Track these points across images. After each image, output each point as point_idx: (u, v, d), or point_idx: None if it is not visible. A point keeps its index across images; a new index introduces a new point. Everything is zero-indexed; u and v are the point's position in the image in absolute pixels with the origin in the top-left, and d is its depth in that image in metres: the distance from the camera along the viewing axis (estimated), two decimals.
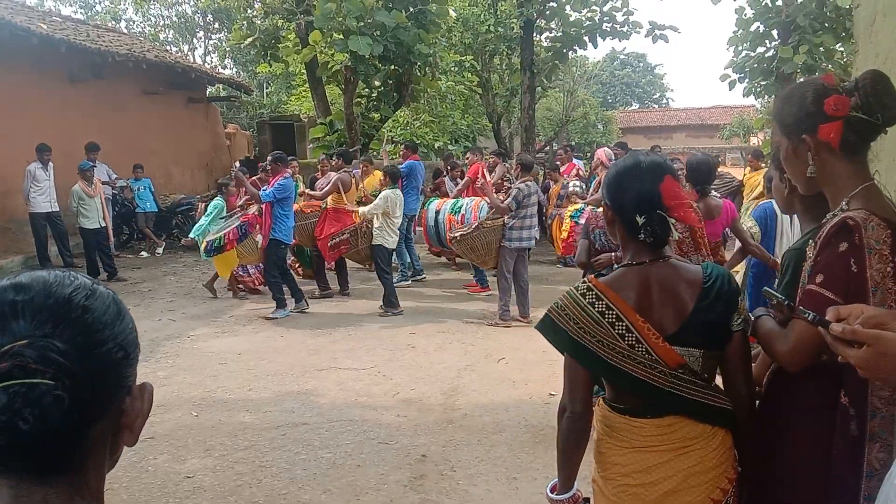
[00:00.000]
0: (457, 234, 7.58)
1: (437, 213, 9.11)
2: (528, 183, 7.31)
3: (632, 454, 1.83)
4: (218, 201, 8.93)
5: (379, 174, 10.34)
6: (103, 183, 10.85)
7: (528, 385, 5.46)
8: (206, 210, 9.07)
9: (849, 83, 1.62)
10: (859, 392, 1.60)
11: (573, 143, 26.24)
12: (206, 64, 26.50)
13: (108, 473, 0.87)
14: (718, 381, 1.91)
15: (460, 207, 8.97)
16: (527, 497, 3.72)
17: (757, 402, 1.93)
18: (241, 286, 9.05)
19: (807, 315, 1.27)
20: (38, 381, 0.72)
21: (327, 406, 5.12)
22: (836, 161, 1.65)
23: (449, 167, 11.26)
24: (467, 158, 10.66)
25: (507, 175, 9.75)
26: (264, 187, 7.96)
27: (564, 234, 7.98)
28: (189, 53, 29.21)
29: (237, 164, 9.20)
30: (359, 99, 16.19)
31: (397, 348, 6.56)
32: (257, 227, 8.02)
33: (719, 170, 8.41)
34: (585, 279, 1.88)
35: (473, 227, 7.52)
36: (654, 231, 1.80)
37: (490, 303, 7.98)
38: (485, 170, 9.89)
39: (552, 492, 1.96)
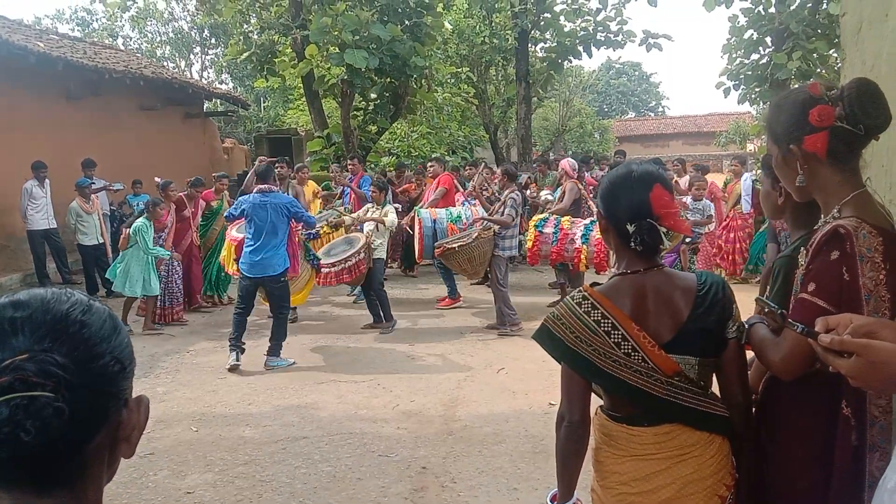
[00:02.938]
0: (454, 245, 7.52)
1: (434, 222, 8.86)
2: (518, 193, 7.51)
3: (630, 462, 1.83)
4: (141, 223, 7.63)
5: (313, 185, 10.17)
6: (99, 189, 10.77)
7: (527, 395, 5.46)
8: (129, 237, 7.67)
9: (835, 92, 1.62)
10: (858, 402, 1.60)
11: (570, 152, 26.32)
12: (203, 79, 26.65)
13: (107, 489, 0.88)
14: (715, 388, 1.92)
15: (459, 216, 8.90)
16: None
17: (753, 408, 1.94)
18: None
19: (795, 327, 1.28)
20: (38, 394, 0.74)
21: (327, 419, 5.12)
22: (826, 170, 1.66)
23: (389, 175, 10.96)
24: (431, 167, 10.07)
25: (486, 184, 9.67)
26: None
27: (529, 244, 7.92)
28: (186, 69, 29.38)
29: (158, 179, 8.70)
30: (355, 112, 16.24)
31: (396, 360, 6.55)
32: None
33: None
34: (580, 288, 1.89)
35: (473, 237, 7.48)
36: (643, 239, 1.82)
37: (481, 316, 7.97)
38: (456, 182, 9.82)
39: (552, 501, 1.96)
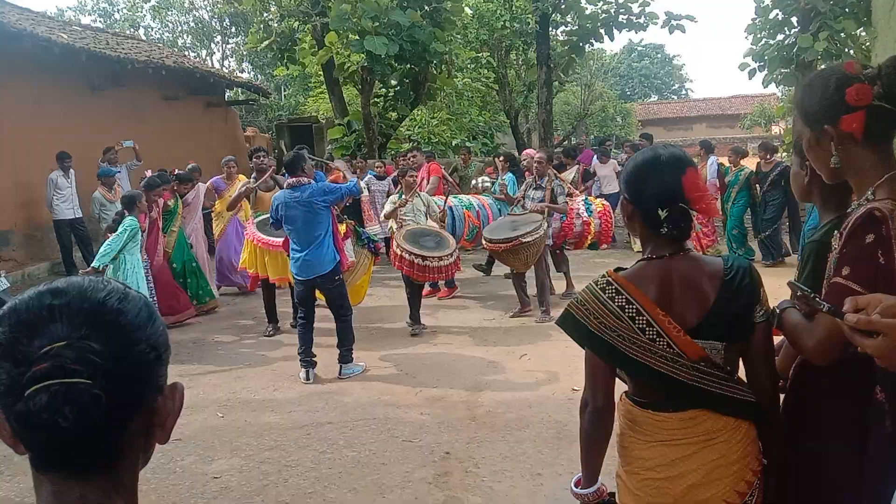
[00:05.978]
0: (528, 240, 6.87)
1: (452, 209, 8.58)
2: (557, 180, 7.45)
3: (655, 448, 1.82)
4: (131, 221, 6.72)
5: (243, 178, 8.86)
6: (112, 153, 10.83)
7: (550, 381, 5.45)
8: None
9: (872, 71, 1.57)
10: (893, 387, 1.58)
11: (593, 136, 26.12)
12: (224, 68, 26.76)
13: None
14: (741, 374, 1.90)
15: (471, 203, 8.73)
16: (551, 493, 3.71)
17: (782, 394, 1.92)
18: None
19: (822, 306, 1.26)
20: (76, 381, 0.76)
21: (351, 405, 5.15)
22: (860, 150, 1.61)
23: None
24: (413, 157, 9.43)
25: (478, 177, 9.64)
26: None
27: None
28: (207, 58, 29.55)
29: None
30: (376, 99, 16.25)
31: (419, 346, 6.57)
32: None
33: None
34: (605, 273, 1.87)
35: (541, 233, 6.99)
36: (676, 225, 1.80)
37: (500, 306, 7.94)
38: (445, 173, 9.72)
39: (577, 486, 1.96)
